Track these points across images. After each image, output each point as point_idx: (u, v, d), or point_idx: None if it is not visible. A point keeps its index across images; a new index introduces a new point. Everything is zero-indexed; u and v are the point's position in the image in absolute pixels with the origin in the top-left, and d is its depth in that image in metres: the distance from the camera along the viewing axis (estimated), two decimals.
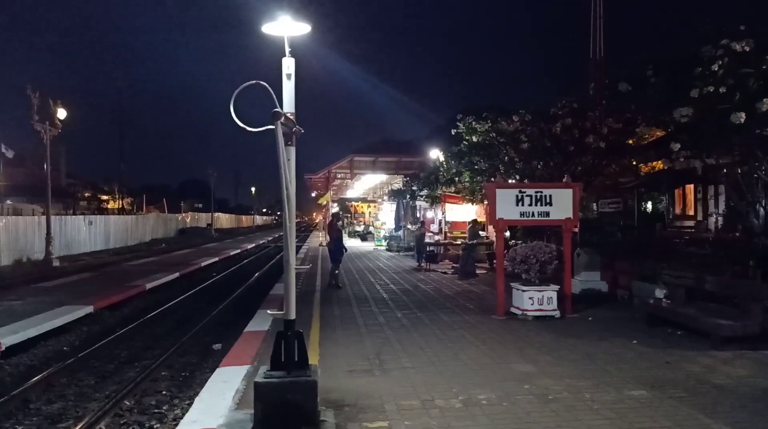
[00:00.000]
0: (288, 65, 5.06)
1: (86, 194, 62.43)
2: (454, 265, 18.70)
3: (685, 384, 6.07)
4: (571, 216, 9.96)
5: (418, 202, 29.15)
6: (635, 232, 17.43)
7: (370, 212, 55.11)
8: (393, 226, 31.02)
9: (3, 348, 8.37)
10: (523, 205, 9.88)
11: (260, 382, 4.89)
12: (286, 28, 5.06)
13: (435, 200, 23.24)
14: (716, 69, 8.73)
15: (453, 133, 19.75)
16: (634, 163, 19.30)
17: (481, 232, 21.66)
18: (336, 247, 14.41)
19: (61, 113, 22.40)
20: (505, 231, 10.10)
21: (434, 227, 25.87)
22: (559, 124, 15.89)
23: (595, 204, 16.04)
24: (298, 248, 34.11)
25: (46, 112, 21.93)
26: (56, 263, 22.28)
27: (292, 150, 5.07)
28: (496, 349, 7.61)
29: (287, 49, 5.07)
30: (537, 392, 5.76)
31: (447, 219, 23.04)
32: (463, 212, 22.96)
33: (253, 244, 39.02)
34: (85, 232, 30.81)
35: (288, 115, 4.97)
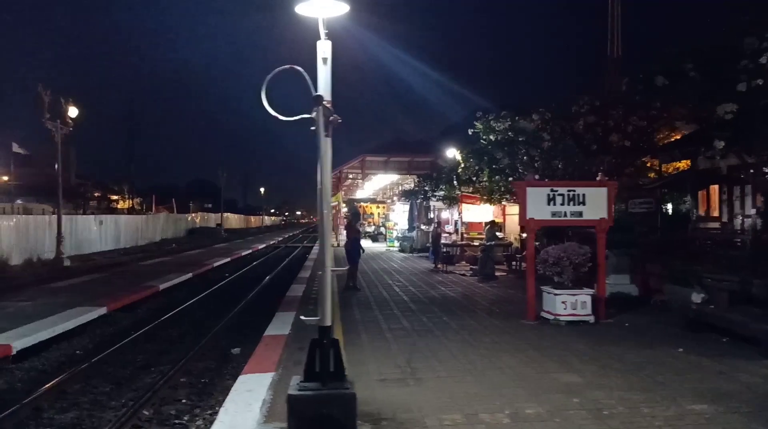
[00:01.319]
0: (324, 49, 4.64)
1: (96, 194, 62.41)
2: (472, 266, 18.25)
3: (745, 396, 5.61)
4: (606, 216, 9.48)
5: (432, 203, 28.70)
6: (659, 234, 16.92)
7: (379, 213, 54.76)
8: (406, 227, 30.58)
9: (14, 352, 8.00)
10: (554, 204, 9.42)
11: (294, 395, 4.48)
12: (321, 8, 4.64)
13: (452, 201, 22.78)
14: (765, 62, 8.25)
15: (470, 133, 19.33)
16: (656, 162, 18.83)
17: (498, 234, 21.23)
18: (353, 248, 13.99)
19: (72, 112, 22.14)
20: (536, 232, 9.61)
21: (449, 228, 25.41)
22: (582, 122, 15.47)
23: (624, 204, 15.53)
24: (309, 249, 33.74)
25: (57, 111, 21.69)
26: (67, 263, 22.01)
27: (329, 141, 4.65)
28: (534, 357, 7.17)
29: (323, 32, 4.66)
30: (589, 406, 5.31)
31: (463, 219, 22.57)
32: (480, 213, 22.49)
33: (264, 245, 38.70)
34: (96, 232, 30.57)
35: (325, 102, 4.56)
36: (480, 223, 22.92)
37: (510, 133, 17.29)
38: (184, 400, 6.73)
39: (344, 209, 42.24)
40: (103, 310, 11.17)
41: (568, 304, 9.17)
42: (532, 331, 8.74)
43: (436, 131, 46.70)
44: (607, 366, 6.72)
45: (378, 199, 52.21)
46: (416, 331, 8.90)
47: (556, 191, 9.43)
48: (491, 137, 17.89)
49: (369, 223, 53.08)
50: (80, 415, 6.24)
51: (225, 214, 64.35)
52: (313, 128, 4.69)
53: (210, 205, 77.82)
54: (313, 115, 4.55)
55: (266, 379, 6.39)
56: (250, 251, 31.80)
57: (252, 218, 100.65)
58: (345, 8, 4.70)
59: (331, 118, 4.54)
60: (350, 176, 43.36)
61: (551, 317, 9.24)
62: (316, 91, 4.59)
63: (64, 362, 8.37)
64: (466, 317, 10.06)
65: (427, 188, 28.03)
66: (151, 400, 6.52)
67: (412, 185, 33.21)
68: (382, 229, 43.70)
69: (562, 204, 9.42)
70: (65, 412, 6.33)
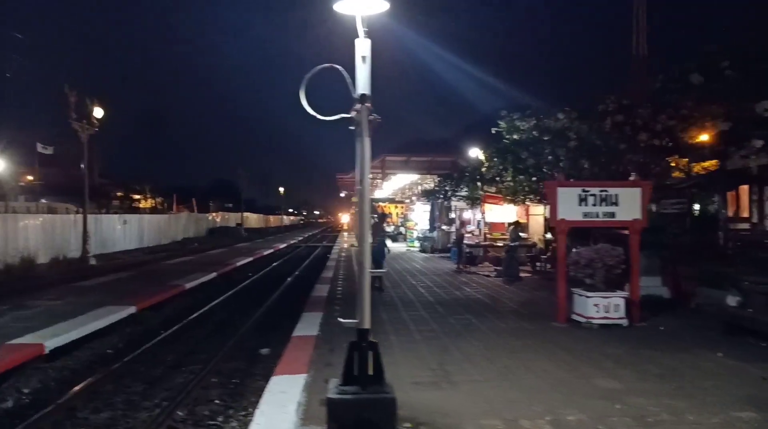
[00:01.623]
0: (363, 47, 4.57)
1: (119, 193, 63.14)
2: (496, 267, 18.08)
3: None
4: (640, 217, 9.30)
5: (453, 203, 28.53)
6: (688, 235, 16.60)
7: (397, 213, 54.63)
8: (426, 227, 30.44)
9: (46, 351, 8.07)
10: (586, 204, 9.27)
11: (334, 398, 4.43)
12: (360, 5, 4.57)
13: (475, 200, 22.59)
14: None
15: (493, 131, 19.14)
16: (683, 162, 18.48)
17: (521, 234, 20.99)
18: (379, 249, 13.92)
19: (98, 112, 22.40)
20: (567, 232, 9.45)
21: (471, 228, 25.24)
22: (609, 120, 15.24)
23: (654, 204, 15.28)
24: (329, 249, 33.76)
25: (83, 111, 21.96)
26: (93, 262, 22.28)
27: (368, 141, 4.58)
28: (569, 361, 7.03)
29: (361, 29, 4.59)
30: (632, 413, 5.18)
31: (486, 220, 22.39)
32: (503, 213, 22.29)
33: (285, 244, 38.82)
34: (120, 231, 30.95)
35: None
36: (502, 223, 22.72)
37: (534, 132, 17.09)
38: (217, 401, 6.72)
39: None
40: (132, 309, 11.23)
41: (601, 306, 9.00)
42: (564, 334, 8.59)
43: (456, 130, 46.41)
44: (645, 371, 6.56)
45: (396, 199, 52.10)
46: (445, 333, 8.81)
47: (588, 191, 9.26)
48: (515, 136, 17.71)
49: (388, 222, 53.04)
50: (114, 415, 6.26)
51: (245, 214, 64.77)
52: (352, 128, 4.64)
53: (230, 205, 78.30)
54: (353, 114, 4.50)
55: (299, 380, 6.35)
56: (272, 251, 31.91)
57: (271, 218, 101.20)
58: (385, 6, 4.62)
59: (371, 117, 4.47)
60: (370, 176, 43.31)
61: (583, 320, 9.08)
62: (355, 89, 4.53)
63: (96, 361, 8.42)
64: (495, 319, 9.94)
65: (448, 188, 27.86)
66: (185, 401, 6.51)
67: (432, 185, 33.03)
68: (402, 229, 43.62)
69: (594, 205, 9.26)
70: (99, 413, 6.35)
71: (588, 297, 9.00)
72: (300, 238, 49.54)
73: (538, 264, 18.18)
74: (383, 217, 16.39)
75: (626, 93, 16.32)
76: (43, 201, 46.63)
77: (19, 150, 55.20)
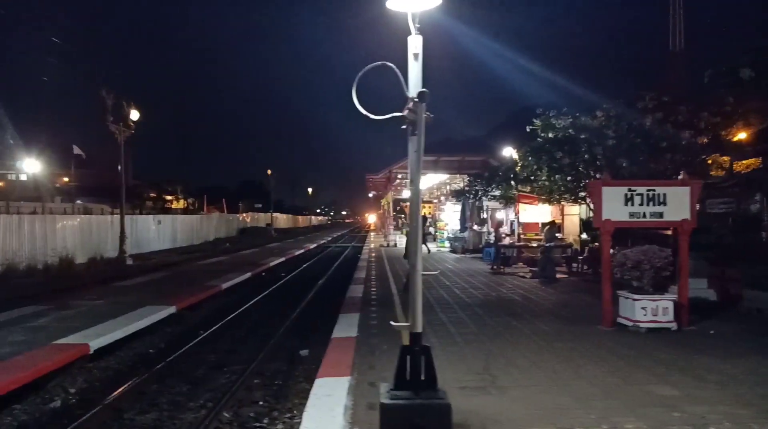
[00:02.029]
0: (415, 44, 4.47)
1: (151, 194, 64.33)
2: (531, 268, 17.80)
3: None
4: (689, 217, 8.98)
5: (485, 203, 28.22)
6: (731, 236, 16.09)
7: (424, 213, 54.35)
8: (457, 227, 30.17)
9: (91, 351, 8.16)
10: (632, 204, 8.99)
11: (387, 404, 4.33)
12: (412, 1, 4.46)
13: (509, 200, 22.28)
14: None
15: (528, 130, 18.84)
16: (725, 159, 17.94)
17: (556, 234, 20.63)
18: None
19: (134, 115, 22.77)
20: (612, 233, 9.19)
21: (505, 229, 24.91)
22: (650, 118, 14.86)
23: (698, 204, 14.82)
24: (359, 249, 33.77)
25: (119, 114, 22.35)
26: (129, 261, 22.66)
27: (420, 140, 4.47)
28: (620, 367, 6.81)
29: (413, 26, 4.48)
30: (693, 422, 4.97)
31: (520, 220, 22.06)
32: (537, 213, 21.95)
33: (315, 244, 38.99)
34: (154, 232, 31.46)
35: (417, 100, 4.39)
36: (536, 223, 22.38)
37: (570, 131, 16.76)
38: (261, 402, 6.69)
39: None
40: (172, 309, 11.34)
41: (649, 310, 8.73)
42: (611, 338, 8.35)
43: (487, 129, 45.99)
44: (701, 377, 6.31)
45: (424, 199, 51.84)
46: (486, 336, 8.65)
47: (635, 191, 8.99)
48: (550, 135, 17.39)
49: (428, 224, 52.78)
50: (160, 416, 6.27)
51: (274, 214, 65.31)
52: (404, 127, 4.54)
53: (260, 205, 79.10)
54: (406, 113, 4.39)
55: (343, 383, 6.27)
56: (303, 251, 32.05)
57: (300, 218, 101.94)
58: (437, 1, 4.51)
59: (425, 115, 4.36)
60: (399, 176, 43.16)
61: (630, 324, 8.82)
62: (407, 88, 4.43)
63: (139, 361, 8.49)
64: (536, 321, 9.74)
65: (479, 188, 27.56)
66: (230, 402, 6.50)
67: (462, 185, 32.73)
68: (431, 229, 43.36)
69: (641, 204, 8.97)
70: (145, 414, 6.37)
71: (635, 300, 8.73)
72: (329, 239, 49.71)
73: (574, 265, 17.84)
74: (424, 218, 16.24)
75: (665, 89, 15.92)
76: (79, 202, 47.75)
77: (55, 152, 56.81)
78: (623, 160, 15.47)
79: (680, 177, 9.67)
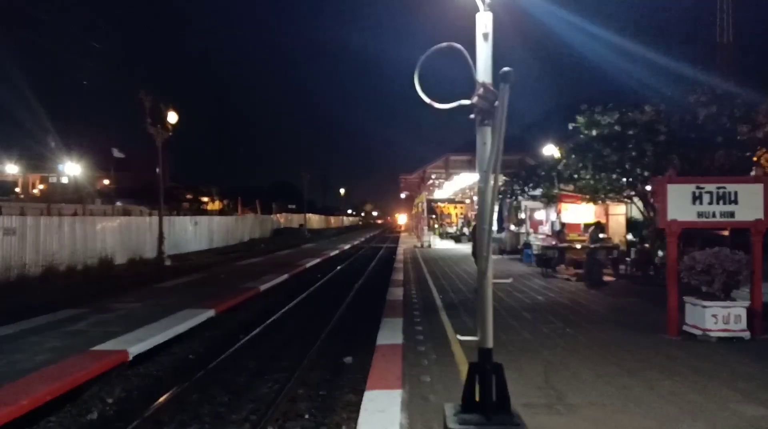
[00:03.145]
0: (484, 22, 3.99)
1: (188, 196, 65.18)
2: (576, 271, 17.06)
3: None
4: (762, 217, 8.27)
5: (523, 203, 27.46)
6: None
7: (456, 214, 53.48)
8: (494, 228, 29.41)
9: (130, 358, 7.90)
10: (701, 203, 8.32)
11: None
12: None
13: (550, 199, 21.54)
14: None
15: (570, 127, 18.13)
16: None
17: (600, 235, 19.80)
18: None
19: (172, 117, 22.79)
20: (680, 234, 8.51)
21: (544, 229, 24.13)
22: (704, 112, 14.05)
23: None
24: (393, 250, 33.31)
25: (157, 116, 22.40)
26: (168, 262, 22.69)
27: (488, 131, 3.99)
28: (697, 381, 6.20)
29: (481, 2, 4.00)
30: None
31: (562, 220, 21.27)
32: (580, 213, 21.15)
33: (349, 245, 38.70)
34: (191, 233, 31.61)
35: (487, 85, 3.91)
36: (578, 224, 21.56)
37: (617, 127, 16.00)
38: (306, 416, 6.29)
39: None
40: (211, 313, 11.08)
41: (719, 317, 8.05)
42: (680, 349, 7.71)
43: (521, 127, 44.96)
44: None
45: (456, 199, 51.03)
46: (541, 344, 8.10)
47: (703, 188, 8.31)
48: (594, 132, 16.64)
49: (448, 223, 52.06)
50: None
51: (307, 215, 65.41)
52: (472, 116, 4.07)
53: (294, 206, 79.46)
54: (475, 100, 3.92)
55: (394, 397, 5.83)
56: (337, 252, 31.77)
57: (332, 219, 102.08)
58: None
59: (496, 102, 3.87)
60: (433, 176, 42.61)
61: (698, 332, 8.15)
62: (475, 71, 3.96)
63: (178, 367, 8.20)
64: (591, 329, 9.14)
65: (516, 187, 26.82)
66: (274, 415, 6.12)
67: (500, 184, 31.94)
68: (465, 230, 42.61)
69: (710, 203, 8.30)
70: (187, 426, 6.04)
71: (705, 306, 8.07)
72: (362, 240, 49.40)
73: (621, 267, 17.05)
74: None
75: (716, 81, 15.08)
76: (119, 204, 48.55)
77: (95, 155, 58.03)
78: (675, 156, 14.70)
79: (753, 173, 8.92)
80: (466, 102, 3.95)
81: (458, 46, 3.87)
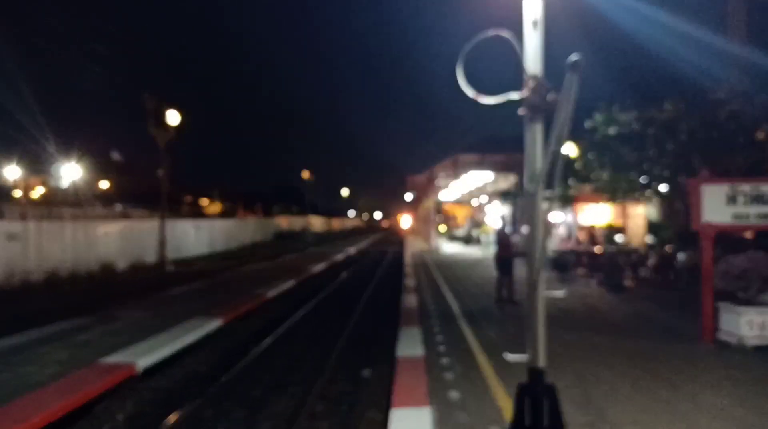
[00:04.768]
0: (533, 9, 3.61)
1: (188, 199, 64.79)
2: (595, 274, 16.67)
3: None
4: None
5: None
6: None
7: (463, 215, 53.00)
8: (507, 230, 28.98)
9: (139, 372, 7.53)
10: (736, 205, 7.96)
11: None
12: None
13: (566, 200, 21.16)
14: None
15: (587, 126, 17.75)
16: None
17: (617, 237, 19.44)
18: (504, 257, 12.75)
19: (175, 119, 22.44)
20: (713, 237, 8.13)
21: (560, 231, 23.74)
22: (727, 110, 13.70)
23: None
24: (399, 254, 32.91)
25: (160, 118, 22.06)
26: (170, 268, 22.30)
27: (538, 128, 3.62)
28: (742, 395, 5.83)
29: None
30: None
31: (578, 222, 20.88)
32: (597, 214, 20.73)
33: (355, 249, 38.30)
34: (193, 236, 31.21)
35: (539, 77, 3.54)
36: (594, 226, 21.17)
37: (635, 126, 15.64)
38: None
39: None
40: (219, 322, 10.70)
41: (755, 324, 7.68)
42: (717, 358, 7.35)
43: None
44: None
45: (463, 201, 50.60)
46: (570, 355, 7.73)
47: (738, 190, 7.95)
48: (611, 130, 16.27)
49: (454, 225, 51.57)
50: None
51: (310, 218, 65.03)
52: (521, 112, 3.69)
53: (296, 209, 79.04)
54: (525, 94, 3.54)
55: (424, 416, 5.46)
56: (344, 256, 31.38)
57: (334, 221, 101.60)
58: None
59: (548, 97, 3.50)
60: (441, 175, 42.20)
61: (733, 339, 7.79)
62: (524, 62, 3.59)
63: (191, 380, 7.82)
64: (620, 337, 8.76)
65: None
66: None
67: (511, 185, 31.55)
68: (474, 233, 42.10)
69: (745, 204, 7.94)
70: None
71: (740, 313, 7.70)
72: (367, 243, 49.02)
73: (641, 271, 16.65)
74: (504, 224, 15.09)
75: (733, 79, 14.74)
76: (119, 207, 48.18)
77: (94, 158, 57.70)
78: (696, 156, 14.35)
79: None
80: (515, 96, 3.58)
81: (506, 34, 3.50)
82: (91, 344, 8.75)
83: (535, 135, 3.66)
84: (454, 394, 6.17)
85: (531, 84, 3.55)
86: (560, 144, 3.31)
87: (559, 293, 12.63)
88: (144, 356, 7.87)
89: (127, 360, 7.67)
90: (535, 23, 3.62)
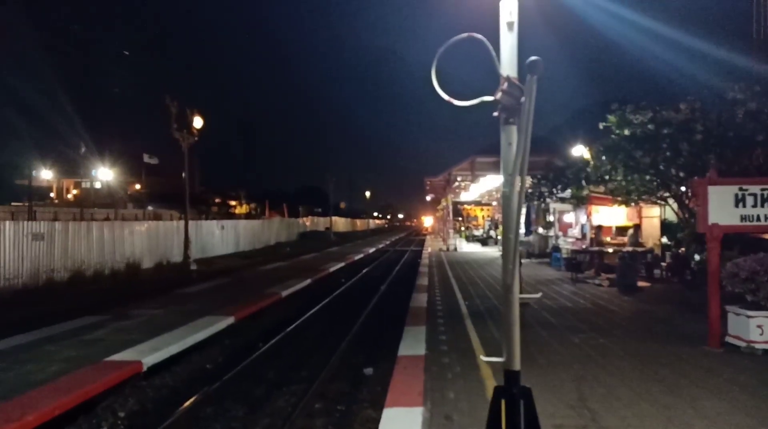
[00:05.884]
0: (509, 10, 3.61)
1: (216, 200, 65.83)
2: (608, 275, 16.45)
3: None
4: None
5: (551, 205, 26.80)
6: None
7: (483, 216, 52.73)
8: (521, 230, 28.77)
9: (144, 369, 7.72)
10: (744, 206, 7.78)
11: None
12: None
13: (580, 201, 20.91)
14: None
15: (601, 127, 17.52)
16: None
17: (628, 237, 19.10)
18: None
19: (198, 122, 22.83)
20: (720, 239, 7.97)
21: (574, 232, 23.48)
22: (743, 109, 13.39)
23: None
24: (418, 253, 32.92)
25: (183, 121, 22.46)
26: (194, 267, 22.69)
27: (513, 130, 3.62)
28: (746, 401, 5.70)
29: None
30: None
31: (593, 223, 20.62)
32: (611, 216, 20.47)
33: (374, 249, 38.42)
34: (218, 237, 31.73)
35: (512, 79, 3.54)
36: (609, 226, 20.88)
37: (650, 126, 15.39)
38: None
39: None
40: (231, 320, 10.89)
41: (765, 328, 7.50)
42: (723, 363, 7.19)
43: (547, 128, 44.18)
44: None
45: (483, 202, 50.30)
46: (573, 357, 7.65)
47: (746, 190, 7.77)
48: (625, 131, 16.04)
49: (475, 226, 51.38)
50: None
51: (333, 218, 65.44)
52: (495, 114, 3.70)
53: (319, 210, 79.65)
54: (498, 96, 3.55)
55: (415, 416, 5.49)
56: (362, 256, 31.52)
57: (358, 222, 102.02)
58: None
59: (522, 98, 3.50)
60: (458, 178, 42.07)
61: (742, 344, 7.62)
62: (499, 64, 3.60)
63: (195, 378, 7.99)
64: (627, 339, 8.64)
65: (544, 189, 26.18)
66: None
67: (527, 186, 31.27)
68: (492, 233, 41.92)
69: (754, 206, 7.75)
70: None
71: (750, 316, 7.53)
72: (387, 243, 49.08)
73: (656, 272, 16.39)
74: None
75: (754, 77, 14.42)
76: (150, 208, 49.26)
77: (128, 161, 59.04)
78: (712, 156, 14.06)
79: None
80: (489, 98, 3.58)
81: (479, 36, 3.50)
82: (101, 342, 8.98)
83: (509, 136, 3.65)
84: (449, 394, 6.17)
85: (505, 86, 3.55)
86: (527, 142, 3.30)
87: (535, 296, 12.49)
88: (151, 354, 8.05)
89: (133, 358, 7.85)
90: (510, 25, 3.62)
